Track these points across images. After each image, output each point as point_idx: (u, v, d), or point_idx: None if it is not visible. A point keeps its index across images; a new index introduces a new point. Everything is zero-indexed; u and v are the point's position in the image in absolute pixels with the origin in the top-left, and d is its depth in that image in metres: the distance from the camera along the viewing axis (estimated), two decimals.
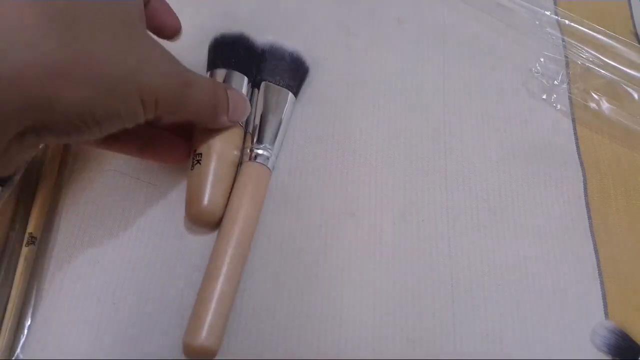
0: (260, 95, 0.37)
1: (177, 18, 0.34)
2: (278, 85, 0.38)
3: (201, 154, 0.34)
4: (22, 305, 0.32)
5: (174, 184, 0.36)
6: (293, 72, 0.38)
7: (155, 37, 0.33)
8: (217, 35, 0.38)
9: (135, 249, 0.34)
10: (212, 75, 0.37)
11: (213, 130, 0.34)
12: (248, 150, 0.36)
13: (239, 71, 0.37)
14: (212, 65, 0.37)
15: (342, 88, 0.41)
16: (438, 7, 0.45)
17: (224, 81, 0.36)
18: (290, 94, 0.38)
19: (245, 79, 0.37)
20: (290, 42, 0.39)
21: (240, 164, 0.36)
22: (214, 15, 0.44)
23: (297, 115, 0.39)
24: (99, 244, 0.34)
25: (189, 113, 0.31)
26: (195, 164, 0.34)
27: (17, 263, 0.32)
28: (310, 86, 0.40)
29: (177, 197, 0.35)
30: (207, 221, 0.34)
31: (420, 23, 0.44)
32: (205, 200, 0.33)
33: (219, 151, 0.34)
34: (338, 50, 0.42)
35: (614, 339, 0.32)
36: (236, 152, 0.35)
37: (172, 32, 0.34)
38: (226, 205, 0.34)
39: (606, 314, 0.33)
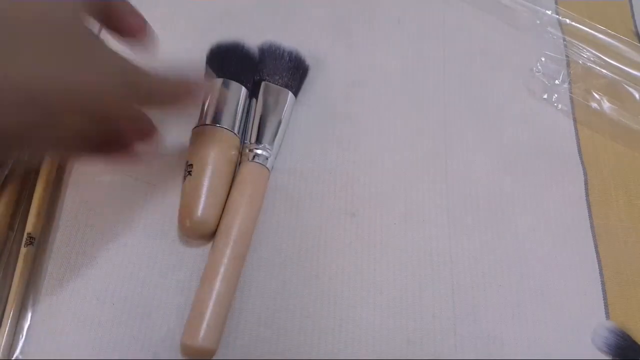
0: (259, 95, 0.37)
1: (141, 17, 0.32)
2: (277, 85, 0.38)
3: (192, 164, 0.34)
4: (21, 306, 0.32)
5: (173, 184, 0.36)
6: (292, 71, 0.38)
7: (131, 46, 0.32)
8: (212, 45, 0.38)
9: (135, 249, 0.34)
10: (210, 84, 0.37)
11: (205, 140, 0.34)
12: (247, 150, 0.36)
13: (235, 80, 0.37)
14: (209, 75, 0.37)
15: (343, 88, 0.41)
16: (438, 7, 0.45)
17: (221, 90, 0.36)
18: (290, 94, 0.38)
19: (243, 89, 0.37)
20: (290, 42, 0.39)
21: (239, 164, 0.36)
22: (213, 16, 0.44)
23: (297, 115, 0.39)
24: (98, 244, 0.34)
25: (144, 104, 0.30)
26: (187, 175, 0.34)
27: (15, 263, 0.32)
28: (311, 86, 0.40)
29: (176, 198, 0.35)
30: (200, 234, 0.33)
31: (420, 23, 0.44)
32: (197, 213, 0.32)
33: (211, 161, 0.34)
34: (338, 50, 0.42)
35: (615, 339, 0.32)
36: (229, 162, 0.35)
37: (136, 32, 0.32)
38: (222, 212, 0.33)
39: (607, 314, 0.33)
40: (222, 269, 0.31)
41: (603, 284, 0.34)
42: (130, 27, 0.32)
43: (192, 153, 0.34)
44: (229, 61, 0.37)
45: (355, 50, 0.42)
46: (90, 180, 0.36)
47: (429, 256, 0.34)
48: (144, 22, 0.32)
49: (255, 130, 0.36)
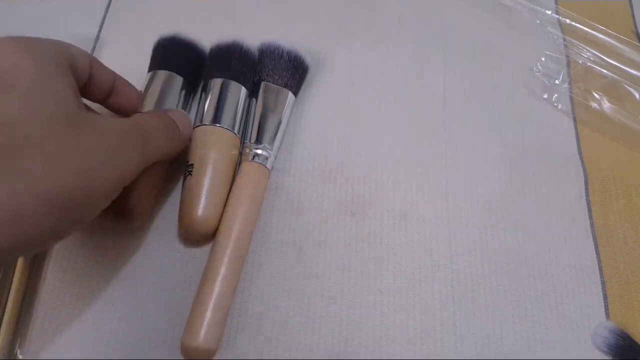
0: (259, 95, 0.37)
1: (138, 98, 0.35)
2: (277, 84, 0.38)
3: (192, 164, 0.34)
4: (21, 305, 0.32)
5: (173, 184, 0.36)
6: (292, 71, 0.38)
7: None
8: (212, 45, 0.38)
9: (134, 249, 0.34)
10: (208, 85, 0.37)
11: (205, 140, 0.34)
12: (247, 150, 0.36)
13: (235, 80, 0.37)
14: (209, 75, 0.37)
15: (342, 88, 0.41)
16: (438, 7, 0.45)
17: (221, 90, 0.36)
18: (290, 94, 0.38)
19: (243, 88, 0.37)
20: (290, 42, 0.39)
21: (239, 164, 0.36)
22: (213, 16, 0.44)
23: (297, 115, 0.39)
24: (98, 244, 0.34)
25: (157, 158, 0.30)
26: (187, 175, 0.34)
27: (16, 263, 0.32)
28: (311, 86, 0.40)
29: (176, 198, 0.35)
30: (200, 234, 0.33)
31: (421, 23, 0.44)
32: (197, 213, 0.32)
33: (211, 161, 0.34)
34: (338, 50, 0.42)
35: (615, 339, 0.32)
36: (230, 161, 0.35)
37: (132, 111, 0.34)
38: (222, 212, 0.33)
39: (607, 315, 0.33)
40: (222, 269, 0.31)
41: (603, 284, 0.34)
42: (131, 100, 0.34)
43: (192, 153, 0.34)
44: (229, 61, 0.37)
45: (355, 50, 0.42)
46: None
47: (429, 256, 0.34)
48: (139, 102, 0.35)
49: (255, 130, 0.36)
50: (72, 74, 0.27)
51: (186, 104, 0.37)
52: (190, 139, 0.34)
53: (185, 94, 0.37)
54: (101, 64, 0.32)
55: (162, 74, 0.37)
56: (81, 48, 0.30)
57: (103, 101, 0.33)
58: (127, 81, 0.34)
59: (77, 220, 0.25)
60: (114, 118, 0.28)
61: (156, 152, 0.30)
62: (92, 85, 0.31)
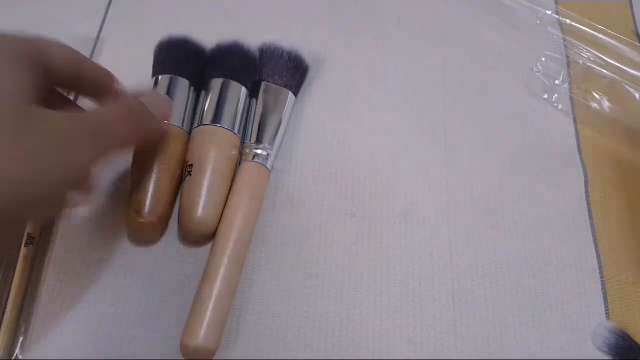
0: (259, 95, 0.37)
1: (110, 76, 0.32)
2: (277, 84, 0.38)
3: (192, 164, 0.34)
4: (21, 306, 0.32)
5: None
6: (292, 71, 0.38)
7: None
8: (212, 45, 0.38)
9: (134, 249, 0.34)
10: (208, 85, 0.37)
11: (205, 140, 0.34)
12: (247, 150, 0.36)
13: (235, 80, 0.37)
14: (209, 74, 0.37)
15: (343, 87, 0.41)
16: (438, 7, 0.45)
17: (221, 90, 0.36)
18: (290, 94, 0.38)
19: (243, 88, 0.37)
20: (291, 42, 0.39)
21: (238, 164, 0.36)
22: (213, 16, 0.44)
23: (297, 115, 0.39)
24: (98, 244, 0.34)
25: (121, 147, 0.29)
26: (186, 175, 0.34)
27: (16, 263, 0.32)
28: (311, 86, 0.40)
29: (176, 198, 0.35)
30: (200, 234, 0.33)
31: (421, 23, 0.44)
32: (197, 213, 0.32)
33: (211, 161, 0.34)
34: (338, 50, 0.42)
35: (615, 340, 0.32)
36: (229, 161, 0.35)
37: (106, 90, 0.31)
38: (222, 212, 0.33)
39: (607, 314, 0.33)
40: (222, 269, 0.31)
41: (603, 284, 0.34)
42: (102, 84, 0.31)
43: (191, 153, 0.34)
44: (229, 61, 0.37)
45: (355, 50, 0.42)
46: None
47: (429, 256, 0.34)
48: (112, 76, 0.32)
49: (255, 130, 0.36)
50: (34, 70, 0.25)
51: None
52: (168, 119, 0.33)
53: (194, 96, 0.37)
54: (90, 62, 0.30)
55: (166, 78, 0.36)
56: (68, 46, 0.28)
57: (98, 99, 0.31)
58: (119, 82, 0.32)
59: (10, 229, 0.24)
60: (67, 114, 0.26)
61: (116, 143, 0.28)
62: (84, 83, 0.30)
